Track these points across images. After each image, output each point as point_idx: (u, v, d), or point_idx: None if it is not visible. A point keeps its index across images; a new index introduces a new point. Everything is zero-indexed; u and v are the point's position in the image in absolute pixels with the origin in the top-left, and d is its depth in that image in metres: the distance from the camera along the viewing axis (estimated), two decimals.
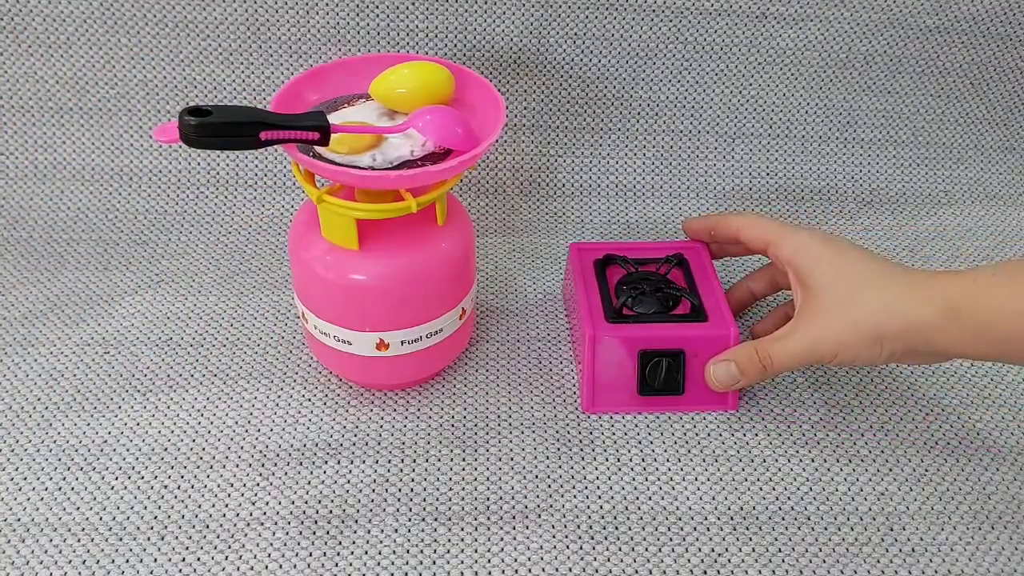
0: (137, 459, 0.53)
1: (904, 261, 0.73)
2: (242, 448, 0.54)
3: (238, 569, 0.48)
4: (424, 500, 0.52)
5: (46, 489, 0.52)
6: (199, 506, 0.51)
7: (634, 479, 0.53)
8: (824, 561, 0.49)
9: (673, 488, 0.53)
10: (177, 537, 0.49)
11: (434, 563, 0.48)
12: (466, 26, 0.71)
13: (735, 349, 0.54)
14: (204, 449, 0.54)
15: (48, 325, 0.63)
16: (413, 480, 0.53)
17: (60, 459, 0.53)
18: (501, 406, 0.58)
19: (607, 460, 0.54)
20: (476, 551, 0.49)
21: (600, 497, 0.52)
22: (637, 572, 0.48)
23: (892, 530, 0.51)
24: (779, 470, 0.54)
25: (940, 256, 0.74)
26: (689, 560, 0.48)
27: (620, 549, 0.49)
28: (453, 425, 0.57)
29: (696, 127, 0.77)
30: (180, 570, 0.47)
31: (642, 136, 0.77)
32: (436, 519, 0.51)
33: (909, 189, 0.80)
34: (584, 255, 0.63)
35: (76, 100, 0.72)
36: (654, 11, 0.72)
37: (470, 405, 0.58)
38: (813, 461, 0.55)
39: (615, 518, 0.51)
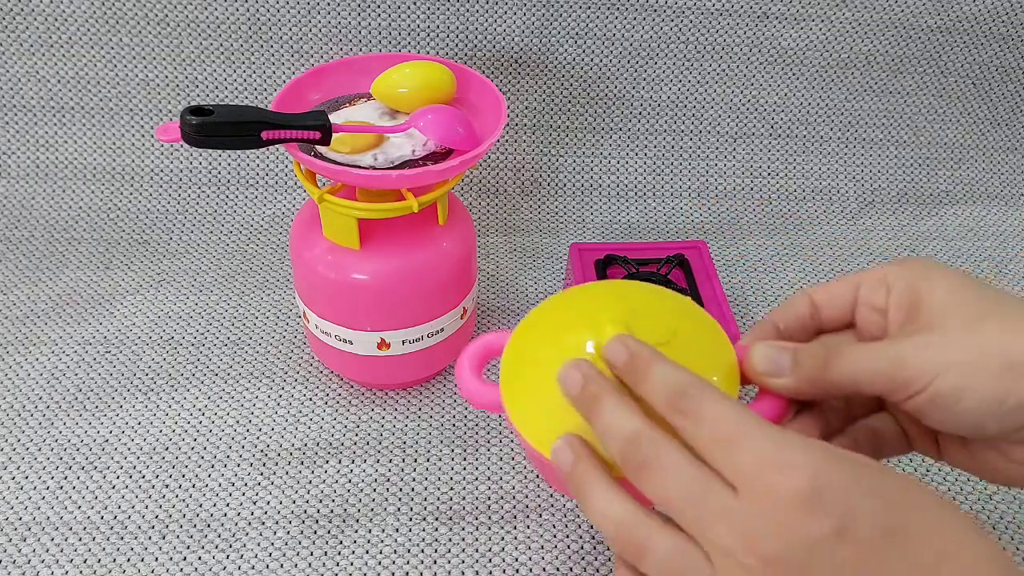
0: (138, 458, 0.54)
1: None
2: (243, 447, 0.54)
3: (239, 568, 0.48)
4: (425, 499, 0.52)
5: (47, 488, 0.52)
6: (200, 505, 0.51)
7: None
8: None
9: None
10: (178, 536, 0.49)
11: (435, 562, 0.48)
12: (467, 25, 0.71)
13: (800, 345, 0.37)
14: (205, 448, 0.54)
15: (49, 324, 0.63)
16: (414, 479, 0.53)
17: (61, 458, 0.53)
18: None
19: None
20: (477, 550, 0.49)
21: None
22: None
23: None
24: None
25: (942, 257, 0.74)
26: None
27: None
28: (454, 425, 0.57)
29: (697, 127, 0.77)
30: (181, 569, 0.48)
31: (643, 136, 0.77)
32: (437, 518, 0.51)
33: (911, 189, 0.80)
34: (585, 255, 0.63)
35: (78, 100, 0.72)
36: (655, 11, 0.72)
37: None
38: None
39: None
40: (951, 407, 0.32)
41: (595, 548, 0.49)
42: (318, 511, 0.51)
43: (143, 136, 0.73)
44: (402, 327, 0.54)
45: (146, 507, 0.51)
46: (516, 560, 0.49)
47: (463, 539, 0.50)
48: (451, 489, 0.52)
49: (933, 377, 0.32)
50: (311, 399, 0.58)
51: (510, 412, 0.37)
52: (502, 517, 0.51)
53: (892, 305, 0.36)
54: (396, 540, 0.49)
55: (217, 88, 0.72)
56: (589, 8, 0.72)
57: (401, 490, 0.52)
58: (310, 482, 0.52)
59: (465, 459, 0.54)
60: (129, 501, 0.51)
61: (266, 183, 0.75)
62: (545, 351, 0.37)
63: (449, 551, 0.49)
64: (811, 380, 0.35)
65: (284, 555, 0.48)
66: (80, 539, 0.49)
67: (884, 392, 0.34)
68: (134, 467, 0.53)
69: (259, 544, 0.49)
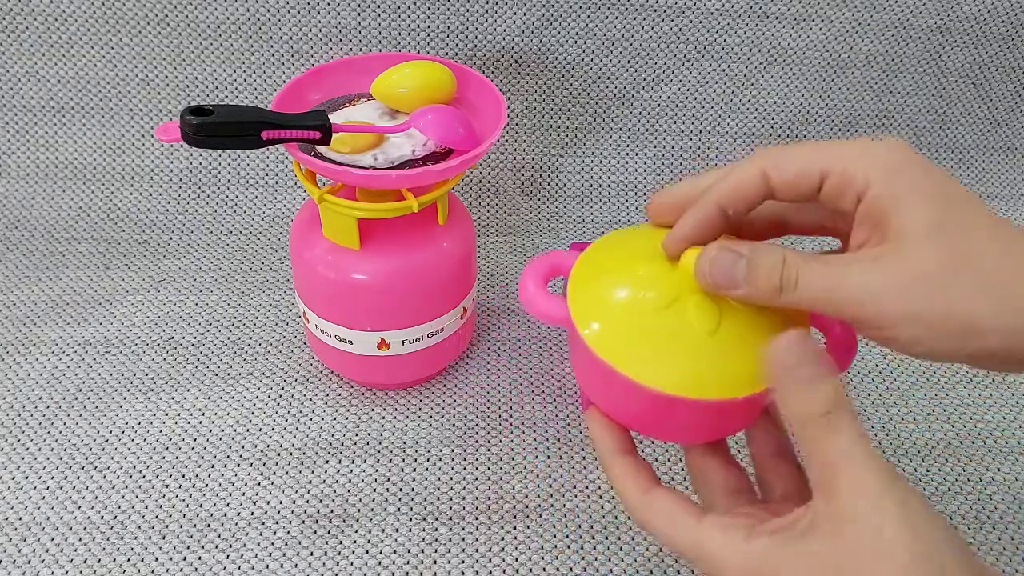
0: (138, 458, 0.54)
1: None
2: (243, 447, 0.54)
3: (239, 568, 0.48)
4: (425, 499, 0.52)
5: (47, 488, 0.52)
6: (200, 505, 0.51)
7: None
8: None
9: (674, 488, 0.53)
10: (178, 536, 0.49)
11: (435, 562, 0.48)
12: (467, 25, 0.71)
13: (758, 246, 0.33)
14: (205, 448, 0.54)
15: (50, 324, 0.63)
16: (414, 479, 0.53)
17: (61, 458, 0.53)
18: (501, 406, 0.58)
19: None
20: (477, 550, 0.49)
21: (600, 497, 0.52)
22: (638, 572, 0.48)
23: None
24: None
25: None
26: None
27: (620, 549, 0.49)
28: (454, 425, 0.57)
29: (697, 127, 0.77)
30: (181, 569, 0.48)
31: (643, 136, 0.77)
32: (437, 518, 0.51)
33: None
34: None
35: (78, 100, 0.72)
36: (655, 11, 0.72)
37: (471, 405, 0.58)
38: None
39: (615, 518, 0.51)
40: (908, 349, 0.31)
41: (595, 548, 0.49)
42: (318, 511, 0.51)
43: (143, 136, 0.73)
44: (402, 327, 0.54)
45: (146, 507, 0.51)
46: (516, 560, 0.49)
47: (463, 539, 0.50)
48: (451, 489, 0.52)
49: (891, 325, 0.31)
50: (311, 399, 0.58)
51: (579, 325, 0.35)
52: (502, 517, 0.51)
53: (858, 216, 0.32)
54: (396, 540, 0.49)
55: (217, 88, 0.72)
56: (589, 8, 0.72)
57: (401, 490, 0.52)
58: (310, 482, 0.52)
59: (465, 459, 0.54)
60: (129, 501, 0.51)
61: (266, 183, 0.75)
62: (617, 268, 0.36)
63: (449, 551, 0.49)
64: (764, 298, 0.33)
65: (284, 555, 0.48)
66: (80, 539, 0.49)
67: (843, 320, 0.33)
68: (134, 467, 0.53)
69: (259, 544, 0.49)
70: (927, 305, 0.30)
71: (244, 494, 0.52)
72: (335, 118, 0.51)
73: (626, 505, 0.36)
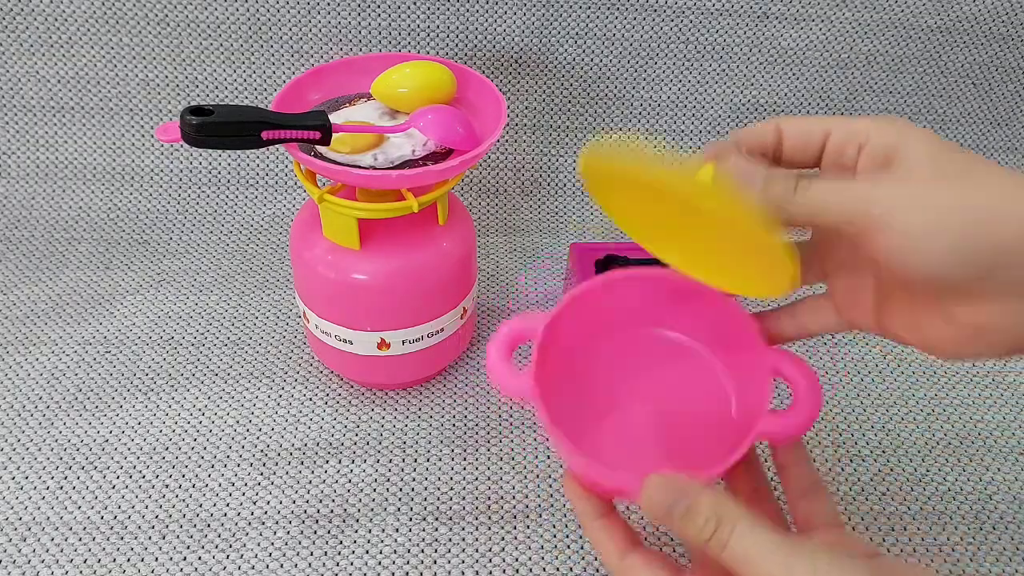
0: (138, 458, 0.54)
1: None
2: (243, 447, 0.54)
3: (239, 568, 0.48)
4: (425, 499, 0.52)
5: (47, 488, 0.52)
6: (200, 505, 0.51)
7: None
8: None
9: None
10: (178, 536, 0.49)
11: (435, 562, 0.48)
12: (468, 25, 0.71)
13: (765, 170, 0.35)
14: (205, 448, 0.54)
15: (50, 324, 0.63)
16: (414, 479, 0.53)
17: (61, 458, 0.53)
18: (501, 406, 0.58)
19: None
20: (477, 550, 0.49)
21: None
22: None
23: (893, 530, 0.51)
24: None
25: None
26: (690, 560, 0.48)
27: None
28: (453, 425, 0.57)
29: (697, 127, 0.77)
30: (181, 569, 0.48)
31: (643, 136, 0.77)
32: (437, 518, 0.51)
33: None
34: (585, 255, 0.63)
35: (78, 100, 0.72)
36: (655, 11, 0.72)
37: (470, 405, 0.58)
38: (815, 461, 0.55)
39: None
40: (920, 247, 0.31)
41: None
42: (318, 511, 0.51)
43: (143, 136, 0.73)
44: (402, 327, 0.54)
45: (146, 507, 0.51)
46: (516, 560, 0.49)
47: (463, 539, 0.50)
48: (451, 489, 0.52)
49: (905, 215, 0.30)
50: (311, 399, 0.58)
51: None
52: (502, 517, 0.51)
53: (861, 160, 0.34)
54: (396, 540, 0.49)
55: (217, 88, 0.72)
56: (589, 8, 0.72)
57: (401, 490, 0.52)
58: (310, 482, 0.52)
59: (465, 459, 0.54)
60: (129, 501, 0.51)
61: (266, 183, 0.75)
62: (631, 166, 0.35)
63: (449, 551, 0.49)
64: (777, 202, 0.33)
65: (284, 555, 0.48)
66: (80, 539, 0.49)
67: (851, 227, 0.32)
68: (134, 467, 0.53)
69: (259, 544, 0.49)
70: (940, 194, 0.31)
71: (244, 494, 0.52)
72: (335, 118, 0.51)
73: (606, 568, 0.36)
